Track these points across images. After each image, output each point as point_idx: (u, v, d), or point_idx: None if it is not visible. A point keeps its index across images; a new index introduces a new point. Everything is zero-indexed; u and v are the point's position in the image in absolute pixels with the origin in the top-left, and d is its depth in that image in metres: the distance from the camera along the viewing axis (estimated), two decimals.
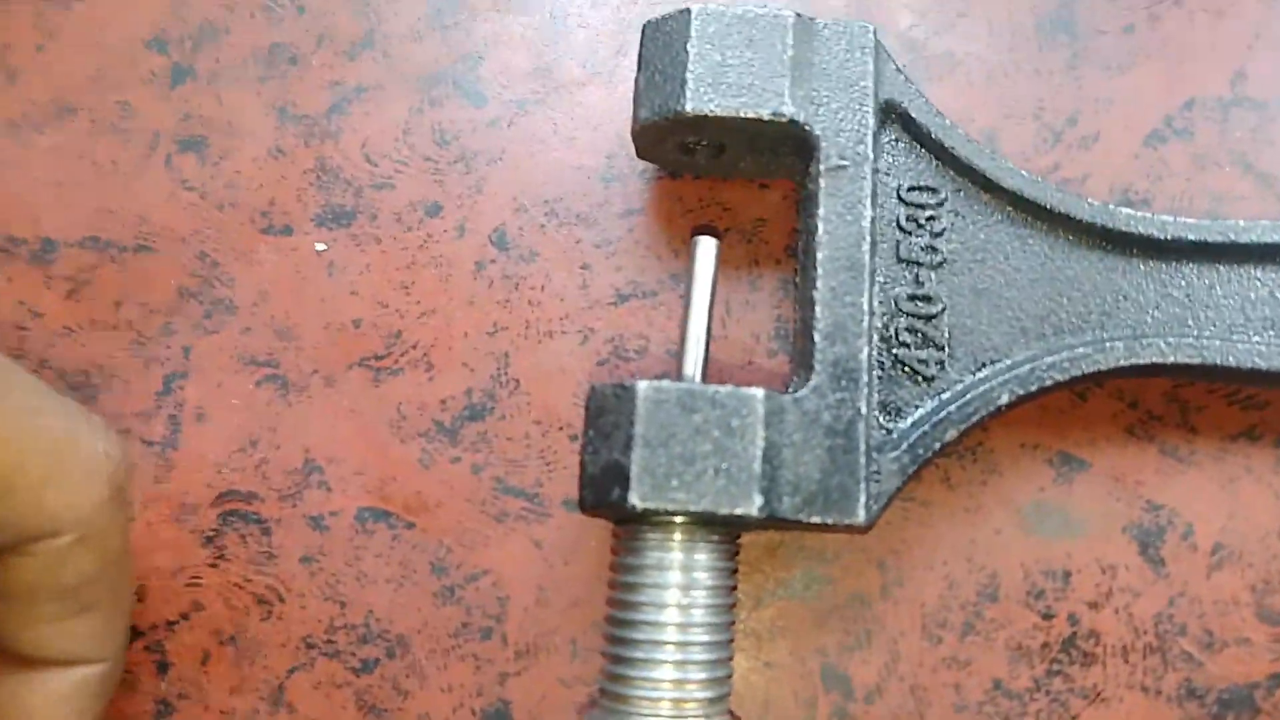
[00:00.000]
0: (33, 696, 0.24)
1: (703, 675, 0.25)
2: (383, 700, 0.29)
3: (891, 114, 0.28)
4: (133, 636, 0.29)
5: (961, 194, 0.28)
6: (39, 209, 0.33)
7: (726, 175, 0.32)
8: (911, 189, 0.28)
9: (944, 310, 0.28)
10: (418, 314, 0.32)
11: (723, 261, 0.31)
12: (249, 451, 0.31)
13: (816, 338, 0.26)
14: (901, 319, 0.27)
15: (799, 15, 0.28)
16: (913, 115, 0.28)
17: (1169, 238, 0.28)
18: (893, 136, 0.29)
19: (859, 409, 0.26)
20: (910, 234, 0.28)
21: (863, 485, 0.25)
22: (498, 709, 0.29)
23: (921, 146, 0.28)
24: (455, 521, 0.30)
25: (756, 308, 0.31)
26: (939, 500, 0.30)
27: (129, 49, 0.34)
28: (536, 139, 0.33)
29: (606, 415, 0.25)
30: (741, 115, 0.27)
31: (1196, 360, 0.27)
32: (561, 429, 0.31)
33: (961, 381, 0.27)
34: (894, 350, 0.27)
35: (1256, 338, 0.28)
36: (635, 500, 0.24)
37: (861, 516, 0.25)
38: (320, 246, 0.32)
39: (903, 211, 0.28)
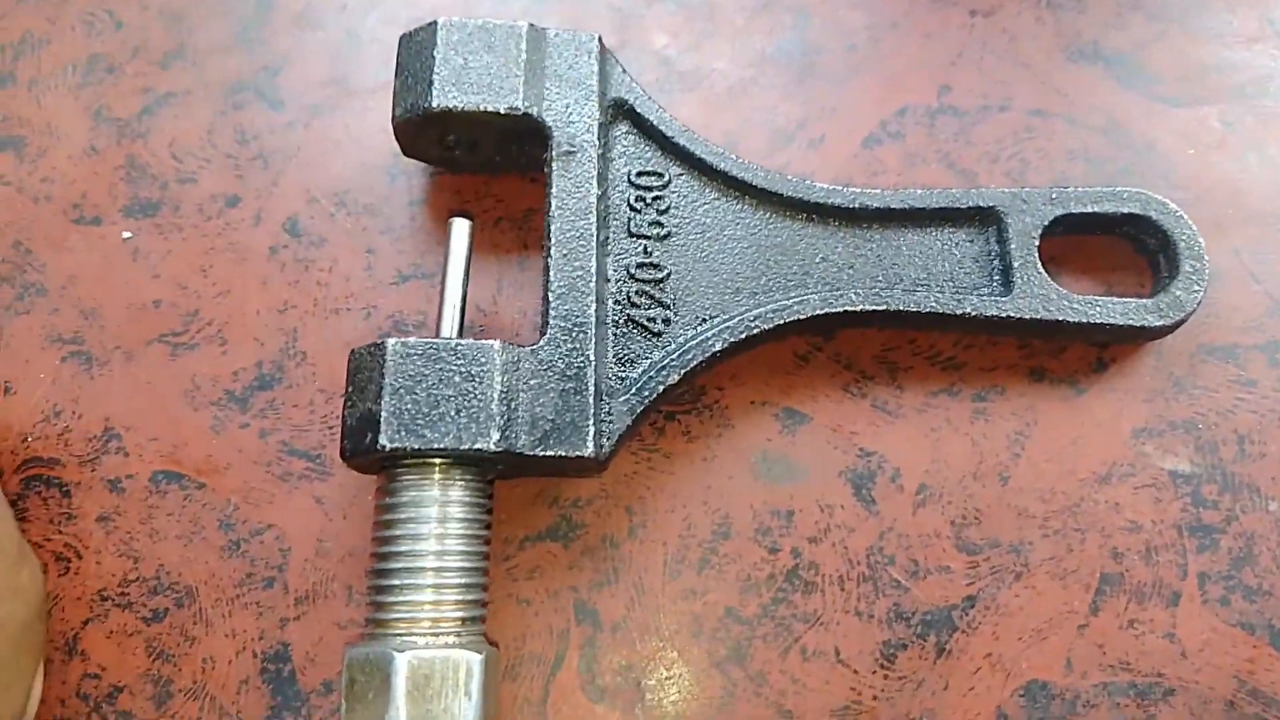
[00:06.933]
0: None
1: (458, 598, 0.27)
2: (170, 646, 0.31)
3: (620, 110, 0.32)
4: None
5: (683, 177, 0.32)
6: None
7: (487, 171, 0.35)
8: (640, 174, 0.32)
9: (669, 276, 0.31)
10: (214, 294, 0.35)
11: (495, 246, 0.35)
12: (52, 421, 0.33)
13: (550, 297, 0.30)
14: (633, 285, 0.31)
15: (531, 25, 0.32)
16: (639, 111, 0.32)
17: (858, 206, 0.32)
18: (623, 130, 0.32)
19: (588, 357, 0.29)
20: (639, 212, 0.32)
21: (591, 423, 0.29)
22: (278, 651, 0.31)
23: (648, 138, 0.32)
24: (243, 482, 0.33)
25: (524, 287, 0.35)
26: (679, 451, 0.33)
27: None
28: (329, 139, 0.36)
29: (362, 372, 0.28)
30: (481, 109, 0.31)
31: (882, 307, 0.31)
32: None
33: (684, 335, 0.31)
34: (628, 311, 0.31)
35: (936, 289, 0.32)
36: (384, 441, 0.27)
37: (590, 449, 0.28)
38: (127, 235, 0.35)
39: (632, 194, 0.32)
